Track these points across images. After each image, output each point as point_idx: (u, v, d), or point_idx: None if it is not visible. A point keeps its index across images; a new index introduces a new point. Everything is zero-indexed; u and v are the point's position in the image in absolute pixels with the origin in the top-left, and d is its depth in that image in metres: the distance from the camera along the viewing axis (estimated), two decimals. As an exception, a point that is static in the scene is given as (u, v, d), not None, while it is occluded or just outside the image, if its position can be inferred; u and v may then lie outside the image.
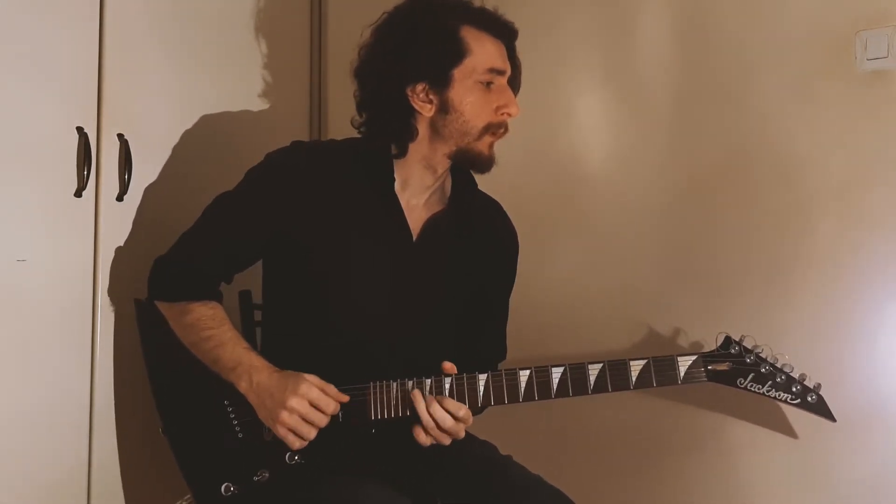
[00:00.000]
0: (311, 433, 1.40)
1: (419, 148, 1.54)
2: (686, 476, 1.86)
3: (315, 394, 1.40)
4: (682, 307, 1.85)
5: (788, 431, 1.76)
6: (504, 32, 1.54)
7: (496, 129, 1.52)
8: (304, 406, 1.39)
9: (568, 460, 1.95)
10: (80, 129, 1.60)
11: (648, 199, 1.92)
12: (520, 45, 1.60)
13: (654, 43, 1.94)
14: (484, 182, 1.72)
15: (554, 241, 2.01)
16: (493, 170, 1.55)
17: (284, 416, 1.39)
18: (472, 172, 1.60)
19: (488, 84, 1.50)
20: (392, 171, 1.55)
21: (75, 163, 1.60)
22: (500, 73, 1.52)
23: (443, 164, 1.55)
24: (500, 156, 1.70)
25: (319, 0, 2.31)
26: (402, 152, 1.54)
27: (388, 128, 1.53)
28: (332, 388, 1.42)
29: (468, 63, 1.49)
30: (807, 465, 1.75)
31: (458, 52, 1.48)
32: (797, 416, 1.74)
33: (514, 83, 1.58)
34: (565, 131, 2.03)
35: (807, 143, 1.77)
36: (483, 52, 1.50)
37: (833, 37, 1.74)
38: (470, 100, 1.49)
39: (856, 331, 1.71)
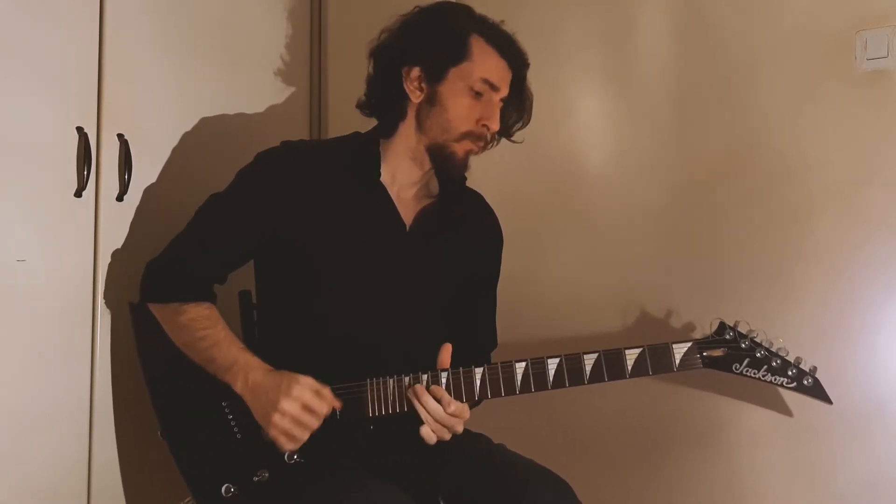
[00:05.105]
0: (303, 436, 1.40)
1: (406, 139, 1.57)
2: (684, 475, 1.86)
3: (308, 396, 1.40)
4: (682, 307, 1.85)
5: (788, 429, 1.76)
6: (513, 56, 1.58)
7: (475, 138, 1.55)
8: (296, 409, 1.39)
9: (563, 450, 1.94)
10: (80, 129, 1.60)
11: (649, 199, 1.92)
12: (521, 44, 1.61)
13: (654, 43, 1.94)
14: (485, 180, 1.73)
15: (554, 240, 2.01)
16: (495, 169, 1.56)
17: (276, 418, 1.39)
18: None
19: (479, 94, 1.54)
20: (378, 162, 1.58)
21: (75, 163, 1.60)
22: (494, 88, 1.55)
23: (427, 160, 1.58)
24: (501, 156, 1.70)
25: (319, 0, 2.31)
26: (391, 131, 1.59)
27: (380, 100, 1.60)
28: (326, 392, 1.42)
29: (465, 67, 1.53)
30: (807, 465, 1.75)
31: (459, 54, 1.53)
32: (798, 415, 1.74)
33: (519, 111, 1.63)
34: (566, 131, 2.03)
35: (807, 142, 1.77)
36: (484, 62, 1.54)
37: (833, 37, 1.75)
38: (456, 101, 1.53)
39: (856, 330, 1.72)
